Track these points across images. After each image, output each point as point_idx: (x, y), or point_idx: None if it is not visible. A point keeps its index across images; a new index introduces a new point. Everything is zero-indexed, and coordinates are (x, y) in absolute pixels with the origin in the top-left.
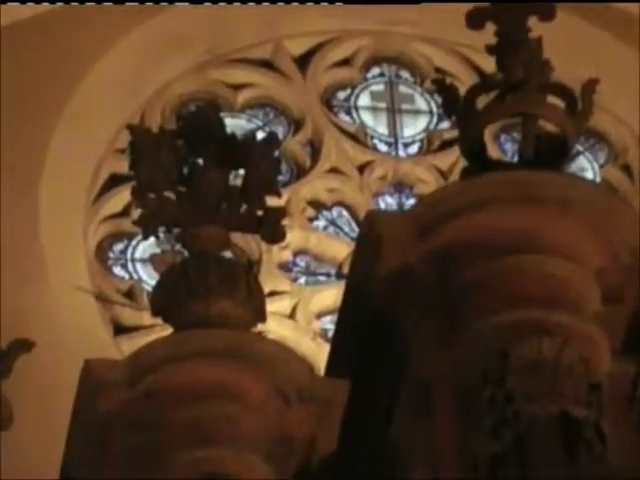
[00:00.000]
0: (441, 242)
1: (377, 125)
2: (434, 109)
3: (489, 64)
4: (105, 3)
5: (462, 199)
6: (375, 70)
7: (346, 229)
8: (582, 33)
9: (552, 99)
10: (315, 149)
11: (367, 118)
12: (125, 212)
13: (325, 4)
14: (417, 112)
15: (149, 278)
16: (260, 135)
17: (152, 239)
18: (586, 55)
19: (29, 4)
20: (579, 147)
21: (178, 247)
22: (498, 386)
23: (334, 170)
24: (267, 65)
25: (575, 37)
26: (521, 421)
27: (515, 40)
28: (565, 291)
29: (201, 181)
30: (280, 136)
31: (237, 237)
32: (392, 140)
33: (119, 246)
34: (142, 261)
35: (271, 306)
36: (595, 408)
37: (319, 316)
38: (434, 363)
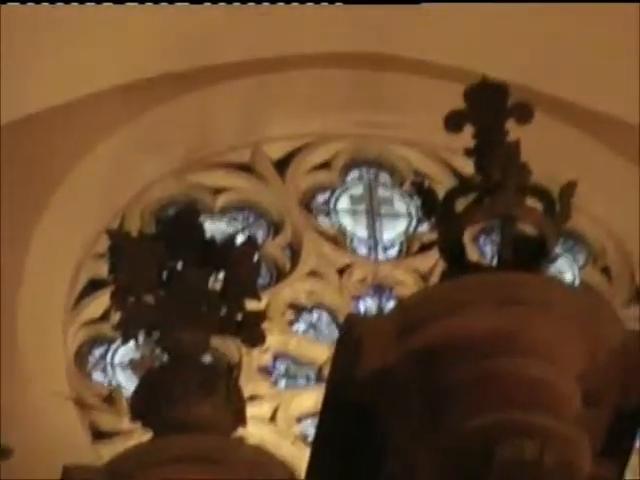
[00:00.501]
0: (420, 344)
1: (356, 228)
2: (413, 212)
3: (468, 166)
4: (105, 3)
5: (441, 302)
6: (354, 173)
7: (326, 332)
8: (559, 135)
9: (531, 201)
10: (295, 252)
11: (346, 221)
12: (105, 316)
13: (302, 109)
14: (396, 215)
15: (129, 383)
16: (240, 238)
17: (132, 343)
18: (564, 157)
19: (29, 4)
20: (558, 249)
21: (158, 351)
22: None
23: (314, 273)
24: (246, 169)
25: (552, 139)
26: None
27: (493, 143)
28: (545, 393)
29: (180, 285)
30: (260, 239)
31: (217, 340)
32: (371, 243)
33: (99, 351)
34: (122, 366)
35: (251, 410)
36: None
37: (299, 419)
38: (414, 465)
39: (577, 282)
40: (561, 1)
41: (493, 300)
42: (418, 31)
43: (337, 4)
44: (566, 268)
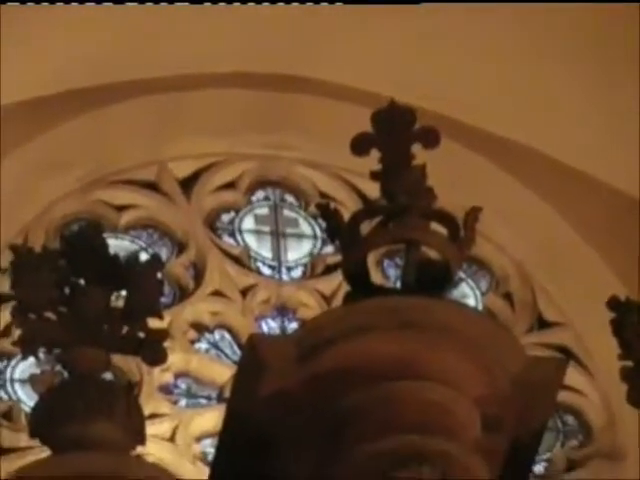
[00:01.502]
0: (321, 367)
1: (261, 248)
2: (318, 233)
3: (373, 190)
4: (105, 3)
5: (343, 324)
6: (260, 194)
7: (228, 352)
8: (466, 161)
9: (435, 226)
10: (198, 271)
11: (251, 241)
12: (5, 332)
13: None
14: (301, 236)
15: (28, 399)
16: (143, 256)
17: (32, 359)
18: (470, 183)
19: (29, 4)
20: (462, 274)
21: (58, 368)
22: None
23: (217, 293)
24: (151, 187)
25: (458, 165)
26: None
27: (399, 167)
28: (444, 418)
29: (82, 302)
30: (163, 258)
31: (118, 358)
32: (276, 264)
33: None
34: (21, 381)
35: (151, 428)
36: None
37: (199, 439)
38: None
39: (480, 307)
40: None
41: (394, 324)
42: (326, 53)
43: (337, 4)
44: (469, 293)
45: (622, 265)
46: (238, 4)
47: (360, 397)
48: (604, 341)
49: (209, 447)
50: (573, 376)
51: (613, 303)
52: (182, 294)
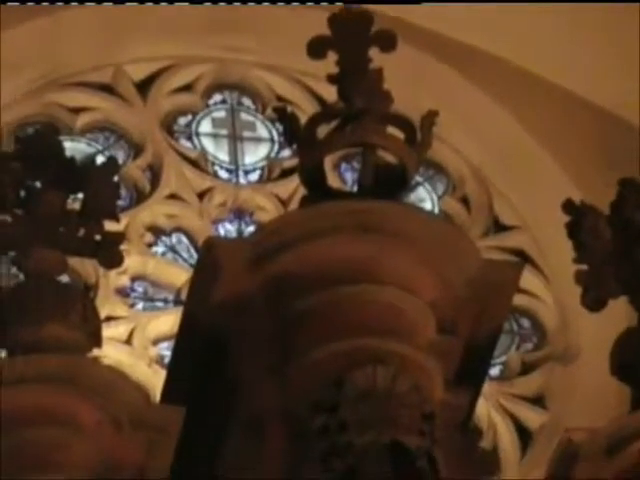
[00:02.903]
0: (277, 270)
1: (218, 152)
2: (275, 137)
3: (331, 93)
4: (105, 3)
5: (299, 228)
6: (217, 97)
7: (185, 255)
8: (423, 65)
9: (392, 130)
10: (155, 174)
11: (208, 145)
12: None
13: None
14: (258, 140)
15: None
16: (100, 159)
17: None
18: (426, 87)
19: (29, 4)
20: (418, 178)
21: (14, 270)
22: (331, 415)
23: (174, 196)
24: (107, 89)
25: (416, 69)
26: (353, 451)
27: (356, 70)
28: (399, 320)
29: (38, 204)
30: (120, 161)
31: (74, 261)
32: (233, 167)
33: None
34: None
35: (107, 331)
36: (428, 438)
37: (156, 342)
38: (266, 392)
39: (436, 211)
40: None
41: (351, 227)
42: None
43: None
44: (426, 197)
45: (577, 169)
46: None
47: (315, 300)
48: (559, 244)
49: (165, 350)
50: (528, 279)
51: (568, 206)
52: (139, 197)
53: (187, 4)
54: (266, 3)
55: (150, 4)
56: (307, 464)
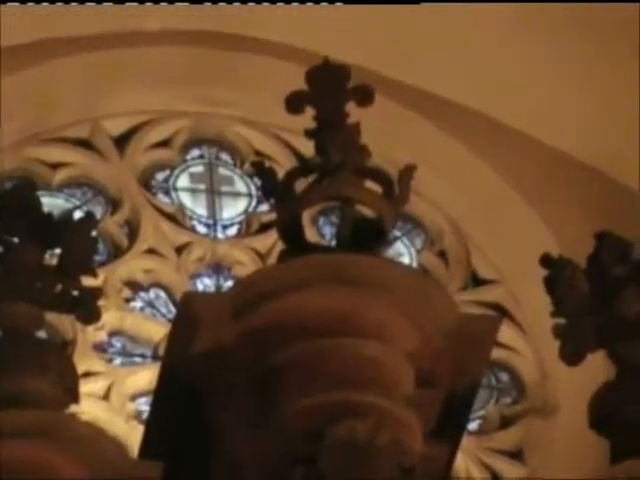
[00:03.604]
0: (256, 323)
1: (196, 206)
2: (253, 192)
3: (308, 148)
4: (105, 3)
5: (278, 281)
6: (195, 152)
7: (163, 310)
8: (400, 119)
9: (370, 184)
10: (132, 229)
11: (186, 199)
12: None
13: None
14: (236, 194)
15: None
16: (77, 214)
17: None
18: (403, 141)
19: (29, 4)
20: (397, 232)
21: None
22: (310, 467)
23: (151, 251)
24: (85, 144)
25: (393, 123)
26: None
27: (333, 125)
28: (378, 373)
29: (15, 259)
30: (98, 216)
31: (52, 316)
32: (211, 222)
33: None
34: None
35: (85, 387)
36: None
37: (133, 398)
38: (245, 444)
39: (414, 265)
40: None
41: (328, 280)
42: (259, 11)
43: (337, 4)
44: (404, 251)
45: (555, 222)
46: None
47: (293, 352)
48: (537, 298)
49: (144, 405)
50: (506, 333)
51: (546, 260)
52: (116, 252)
53: (187, 4)
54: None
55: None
56: None
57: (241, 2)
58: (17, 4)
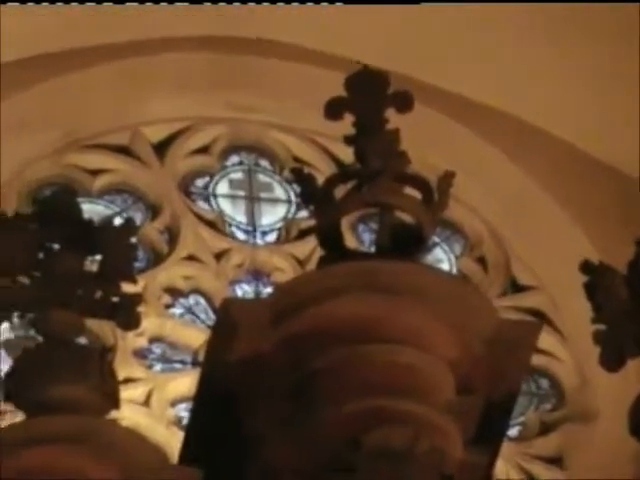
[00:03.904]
0: (294, 329)
1: (235, 213)
2: (292, 198)
3: (347, 154)
4: (105, 3)
5: (316, 287)
6: (234, 158)
7: (202, 317)
8: (439, 126)
9: (409, 190)
10: (172, 236)
11: (225, 206)
12: None
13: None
14: (276, 201)
15: (3, 364)
16: (117, 221)
17: (6, 324)
18: (442, 147)
19: (29, 4)
20: (436, 238)
21: (32, 332)
22: (348, 476)
23: (191, 257)
24: (125, 151)
25: (432, 129)
26: None
27: (372, 131)
28: (416, 380)
29: (56, 266)
30: (138, 222)
31: (92, 323)
32: (250, 228)
33: None
34: None
35: (125, 393)
36: None
37: (173, 404)
38: (282, 451)
39: (454, 271)
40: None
41: (366, 287)
42: (293, 17)
43: (337, 4)
44: (443, 257)
45: (595, 229)
46: None
47: (331, 359)
48: (577, 305)
49: (183, 411)
50: (547, 339)
51: (586, 266)
52: (156, 258)
53: (187, 4)
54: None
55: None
56: None
57: (270, 2)
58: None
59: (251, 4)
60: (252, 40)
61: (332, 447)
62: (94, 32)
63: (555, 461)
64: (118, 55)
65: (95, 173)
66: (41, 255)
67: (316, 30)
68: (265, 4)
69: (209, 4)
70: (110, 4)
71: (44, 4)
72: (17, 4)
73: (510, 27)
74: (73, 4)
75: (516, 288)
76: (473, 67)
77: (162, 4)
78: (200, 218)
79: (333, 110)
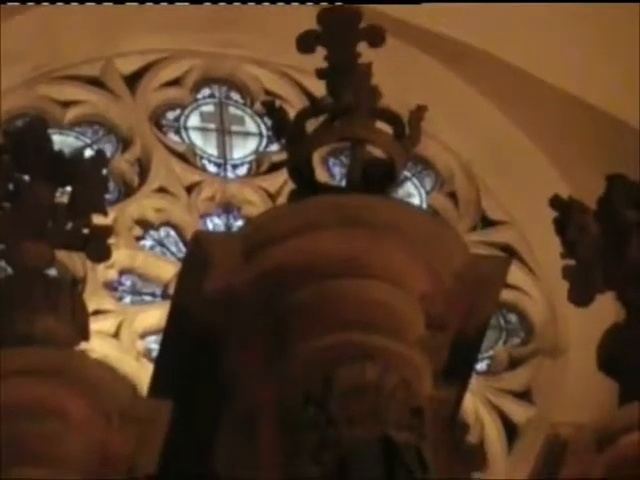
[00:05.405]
0: (267, 264)
1: (206, 146)
2: (264, 131)
3: (319, 88)
4: (105, 3)
5: (288, 222)
6: (205, 91)
7: (173, 249)
8: (411, 60)
9: (381, 125)
10: (143, 168)
11: (196, 138)
12: None
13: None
14: (247, 134)
15: None
16: (88, 153)
17: None
18: (415, 82)
19: (29, 4)
20: (407, 173)
21: (2, 264)
22: (320, 409)
23: (162, 190)
24: (97, 83)
25: (404, 64)
26: (343, 445)
27: (345, 65)
28: (388, 316)
29: (27, 197)
30: (108, 154)
31: (62, 255)
32: (221, 161)
33: None
34: None
35: (95, 325)
36: (416, 432)
37: (143, 336)
38: (258, 386)
39: (424, 206)
40: None
41: (339, 221)
42: None
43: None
44: (414, 192)
45: (566, 164)
46: None
47: (304, 294)
48: (547, 240)
49: (153, 343)
50: (516, 275)
51: (556, 202)
52: (127, 191)
53: (187, 4)
54: (266, 3)
55: (150, 4)
56: (298, 458)
57: (242, 2)
58: None
59: None
60: None
61: (306, 380)
62: None
63: (524, 395)
64: None
65: (66, 105)
66: (11, 186)
67: None
68: None
69: None
70: None
71: None
72: None
73: None
74: None
75: (486, 223)
76: (456, 7)
77: None
78: (171, 151)
79: (305, 43)
